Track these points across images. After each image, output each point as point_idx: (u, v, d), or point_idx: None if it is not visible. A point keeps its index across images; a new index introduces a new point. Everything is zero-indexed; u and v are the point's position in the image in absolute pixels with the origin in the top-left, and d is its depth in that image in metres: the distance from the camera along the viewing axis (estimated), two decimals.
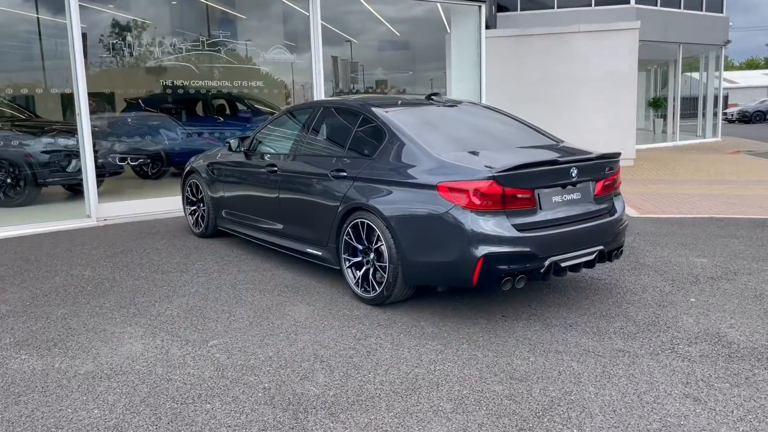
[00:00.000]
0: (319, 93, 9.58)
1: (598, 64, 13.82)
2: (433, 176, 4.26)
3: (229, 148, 6.32)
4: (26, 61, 11.02)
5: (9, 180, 9.33)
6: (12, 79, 10.94)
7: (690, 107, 25.42)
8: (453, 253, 4.13)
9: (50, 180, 9.45)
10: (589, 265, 4.56)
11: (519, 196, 4.14)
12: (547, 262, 4.20)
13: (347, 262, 4.86)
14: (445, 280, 4.35)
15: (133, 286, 5.29)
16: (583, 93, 13.92)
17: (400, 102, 5.42)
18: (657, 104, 25.17)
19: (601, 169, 4.62)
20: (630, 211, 8.31)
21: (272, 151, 5.91)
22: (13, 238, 7.21)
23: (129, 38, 10.53)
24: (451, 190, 4.13)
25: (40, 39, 10.95)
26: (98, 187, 10.19)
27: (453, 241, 4.12)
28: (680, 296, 4.85)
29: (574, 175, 4.37)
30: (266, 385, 3.50)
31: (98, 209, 8.11)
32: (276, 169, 5.59)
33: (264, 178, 5.74)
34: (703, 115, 24.30)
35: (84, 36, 10.02)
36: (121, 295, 5.06)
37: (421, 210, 4.27)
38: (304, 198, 5.25)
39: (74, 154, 9.62)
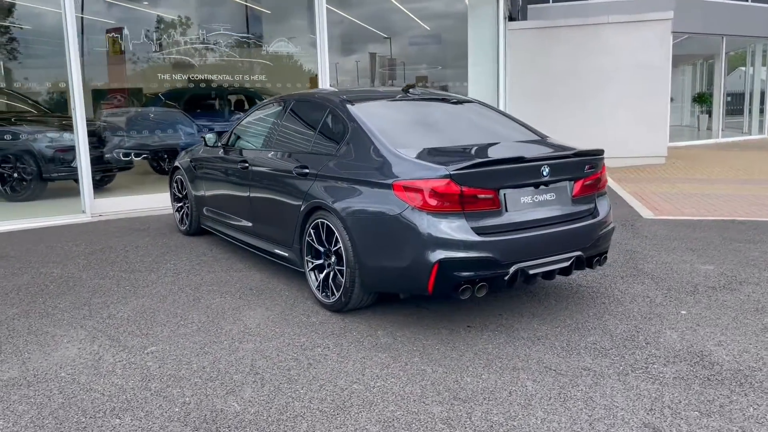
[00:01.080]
0: (325, 84, 9.30)
1: (628, 57, 13.18)
2: (389, 174, 3.94)
3: (205, 144, 6.08)
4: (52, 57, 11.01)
5: (15, 174, 9.34)
6: (29, 75, 10.97)
7: (736, 103, 24.32)
8: (408, 258, 3.80)
9: (55, 175, 9.43)
10: (566, 272, 4.17)
11: (480, 196, 3.78)
12: (512, 269, 3.83)
13: (309, 265, 4.58)
14: (401, 287, 4.02)
15: (96, 285, 5.11)
16: (612, 87, 13.31)
17: (371, 95, 5.10)
18: (702, 100, 24.11)
19: (580, 167, 4.21)
20: (645, 212, 7.79)
21: (248, 146, 5.66)
22: (1, 234, 7.14)
23: (153, 34, 10.42)
24: (406, 189, 3.80)
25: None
26: (110, 182, 10.22)
27: (408, 245, 3.78)
28: (671, 308, 4.40)
29: (545, 173, 3.98)
30: (187, 399, 3.23)
31: (93, 205, 8.02)
32: (247, 165, 5.33)
33: (237, 174, 5.50)
34: (750, 111, 23.18)
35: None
36: (79, 295, 4.88)
37: (377, 210, 3.95)
38: (271, 196, 4.99)
39: None
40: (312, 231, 4.47)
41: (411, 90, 4.98)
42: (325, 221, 4.30)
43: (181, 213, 6.88)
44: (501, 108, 11.12)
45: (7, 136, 9.37)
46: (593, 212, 4.31)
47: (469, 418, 2.99)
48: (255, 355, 3.73)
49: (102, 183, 9.95)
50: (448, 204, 3.72)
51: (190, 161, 6.52)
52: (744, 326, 4.04)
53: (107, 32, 10.61)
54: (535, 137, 4.72)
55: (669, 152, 13.97)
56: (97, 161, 9.23)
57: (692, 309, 4.37)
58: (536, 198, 4.02)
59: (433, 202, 3.71)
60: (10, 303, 4.73)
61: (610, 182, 10.56)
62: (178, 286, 5.05)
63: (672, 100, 17.76)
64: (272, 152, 5.14)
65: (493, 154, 4.18)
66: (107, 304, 4.65)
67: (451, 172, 3.70)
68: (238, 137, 5.87)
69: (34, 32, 10.84)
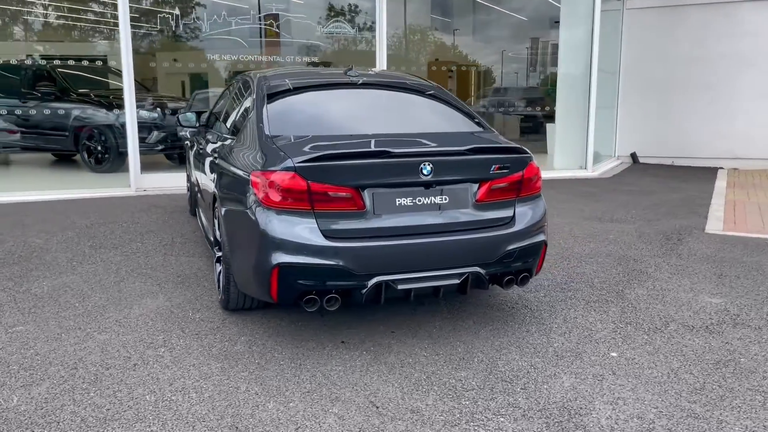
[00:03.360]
0: (382, 65, 8.88)
1: None
2: (252, 164, 3.52)
3: (180, 123, 5.89)
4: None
5: (99, 147, 9.98)
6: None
7: None
8: (253, 259, 3.37)
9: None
10: (462, 290, 3.50)
11: (333, 194, 3.24)
12: (371, 282, 3.26)
13: (216, 255, 4.28)
14: (254, 291, 3.57)
15: (51, 259, 5.21)
16: (749, 77, 11.45)
17: (305, 77, 4.64)
18: None
19: (483, 167, 3.49)
20: (713, 225, 6.53)
21: (216, 126, 5.45)
22: (43, 202, 7.61)
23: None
24: (256, 181, 3.36)
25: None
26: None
27: (253, 244, 3.36)
28: (604, 347, 3.54)
29: (426, 172, 3.33)
30: None
31: (138, 180, 8.31)
32: (201, 146, 5.14)
33: (199, 156, 5.32)
34: None
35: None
36: (25, 267, 4.99)
37: (239, 203, 3.56)
38: (204, 181, 4.75)
39: (155, 126, 10.04)
40: (215, 220, 4.17)
41: (349, 72, 4.43)
42: (217, 210, 3.99)
43: (189, 193, 6.88)
44: (592, 93, 9.99)
45: (90, 111, 10.04)
46: (509, 222, 3.56)
47: None
48: (95, 348, 3.53)
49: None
50: (294, 201, 3.23)
51: (188, 141, 6.47)
52: (666, 384, 3.13)
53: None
54: (466, 130, 4.01)
55: None
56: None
57: (632, 353, 3.48)
58: (419, 200, 3.39)
59: (276, 197, 3.25)
60: None
61: (716, 186, 9.09)
62: (117, 266, 5.00)
63: None
64: (215, 133, 4.90)
65: (363, 145, 3.53)
66: (39, 278, 4.71)
67: (296, 165, 3.21)
68: (216, 117, 5.68)
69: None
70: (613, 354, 3.46)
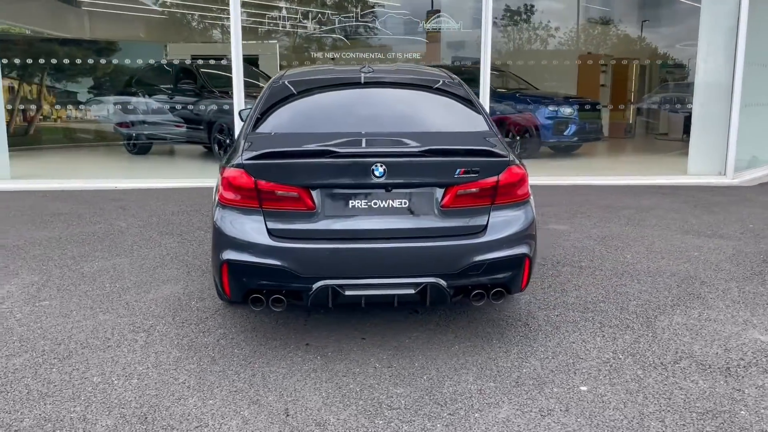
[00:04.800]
0: (486, 60, 8.57)
1: None
2: (224, 161, 3.57)
3: (241, 118, 6.07)
4: None
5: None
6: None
7: None
8: (211, 254, 3.43)
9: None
10: (424, 301, 3.28)
11: (281, 193, 3.19)
12: (315, 285, 3.16)
13: None
14: (216, 286, 3.60)
15: (120, 241, 5.67)
16: None
17: (311, 74, 4.57)
18: None
19: (446, 170, 3.22)
20: None
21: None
22: (159, 189, 8.32)
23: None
24: (220, 178, 3.41)
25: None
26: None
27: (212, 239, 3.41)
28: (579, 379, 3.13)
29: (378, 174, 3.15)
30: None
31: None
32: None
33: None
34: None
35: None
36: (94, 248, 5.47)
37: (214, 197, 3.63)
38: None
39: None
40: None
41: (363, 70, 4.29)
42: None
43: None
44: (736, 87, 8.82)
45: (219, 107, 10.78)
46: (480, 231, 3.26)
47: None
48: (88, 328, 3.79)
49: None
50: (244, 198, 3.24)
51: None
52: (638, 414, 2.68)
53: None
54: (460, 131, 3.72)
55: None
56: None
57: (606, 388, 3.03)
58: (375, 204, 3.22)
59: (228, 194, 3.28)
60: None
61: None
62: (167, 252, 5.33)
63: None
64: None
65: (341, 147, 3.39)
66: (95, 258, 5.16)
67: (244, 162, 3.21)
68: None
69: None
70: (583, 388, 3.04)
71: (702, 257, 5.18)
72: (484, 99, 8.64)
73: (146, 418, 2.81)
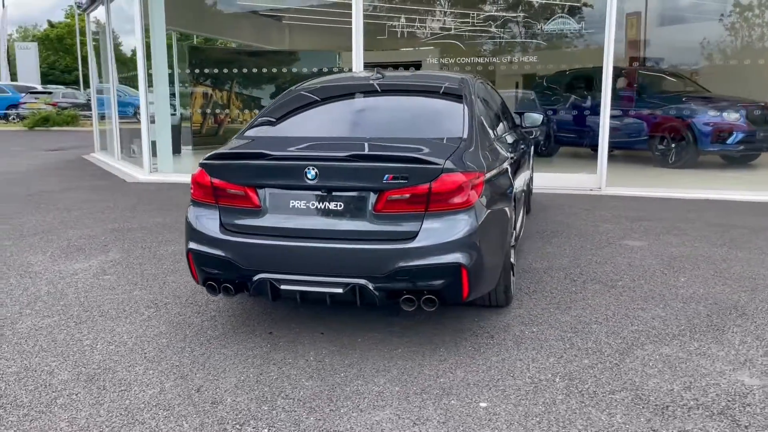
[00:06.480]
0: (608, 68, 8.09)
1: None
2: None
3: None
4: None
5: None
6: None
7: None
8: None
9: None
10: (354, 302, 3.39)
11: (230, 191, 3.51)
12: (255, 278, 3.44)
13: None
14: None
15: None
16: None
17: (335, 80, 4.77)
18: None
19: (374, 175, 3.27)
20: None
21: None
22: None
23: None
24: None
25: None
26: None
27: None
28: (486, 396, 3.02)
29: (310, 176, 3.32)
30: None
31: None
32: None
33: None
34: None
35: None
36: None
37: None
38: None
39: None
40: None
41: (374, 76, 4.44)
42: None
43: None
44: None
45: None
46: (411, 237, 3.28)
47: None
48: (100, 301, 4.42)
49: None
50: (204, 195, 3.63)
51: None
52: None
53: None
54: (432, 137, 3.72)
55: None
56: None
57: (510, 408, 2.90)
58: (313, 204, 3.40)
59: (194, 190, 3.68)
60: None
61: None
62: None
63: None
64: None
65: (306, 150, 3.59)
66: (170, 243, 5.90)
67: (204, 161, 3.58)
68: None
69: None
70: (482, 404, 2.93)
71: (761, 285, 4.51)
72: (605, 103, 8.16)
73: (92, 377, 3.28)
